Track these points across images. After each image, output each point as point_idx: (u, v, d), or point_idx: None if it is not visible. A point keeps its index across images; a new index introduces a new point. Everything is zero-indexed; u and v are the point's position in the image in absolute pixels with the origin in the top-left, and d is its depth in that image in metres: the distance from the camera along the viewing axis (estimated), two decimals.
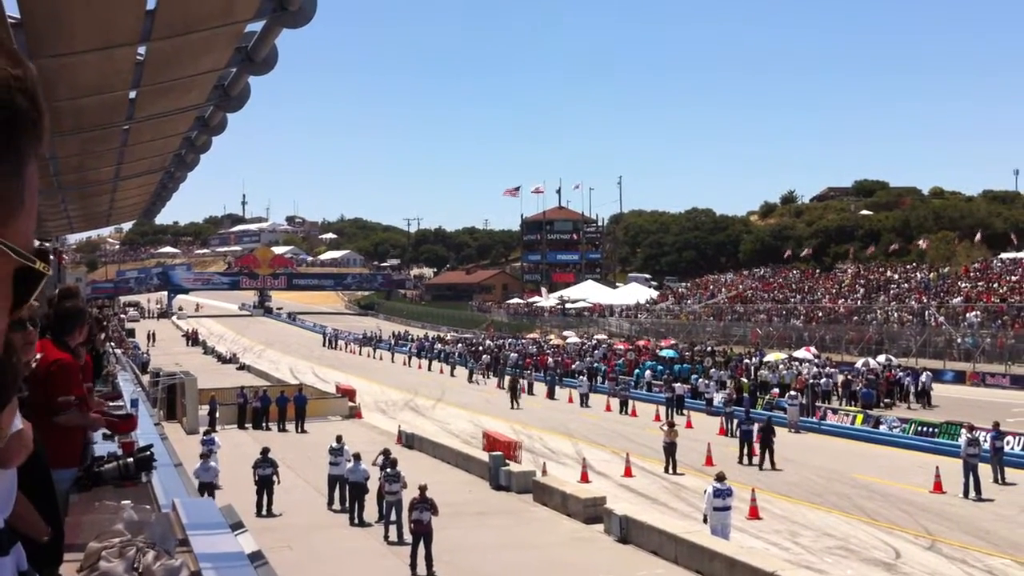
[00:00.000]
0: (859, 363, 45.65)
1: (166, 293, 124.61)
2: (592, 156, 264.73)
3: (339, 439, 25.59)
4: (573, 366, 55.68)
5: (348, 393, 45.39)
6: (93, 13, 5.75)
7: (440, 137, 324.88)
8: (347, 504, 23.54)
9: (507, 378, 50.71)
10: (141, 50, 6.86)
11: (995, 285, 58.58)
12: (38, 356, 4.91)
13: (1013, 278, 59.16)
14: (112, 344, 37.84)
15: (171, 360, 58.12)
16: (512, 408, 43.97)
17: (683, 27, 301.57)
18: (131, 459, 5.69)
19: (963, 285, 61.06)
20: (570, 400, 47.24)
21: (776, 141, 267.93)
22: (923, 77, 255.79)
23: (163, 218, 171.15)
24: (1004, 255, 68.78)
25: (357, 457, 23.62)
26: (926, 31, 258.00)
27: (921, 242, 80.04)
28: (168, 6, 5.84)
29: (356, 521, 22.79)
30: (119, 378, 17.43)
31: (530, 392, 51.30)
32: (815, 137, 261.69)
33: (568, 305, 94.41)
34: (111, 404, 8.05)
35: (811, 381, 41.62)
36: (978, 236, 77.75)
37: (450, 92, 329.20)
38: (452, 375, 61.24)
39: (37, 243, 1.23)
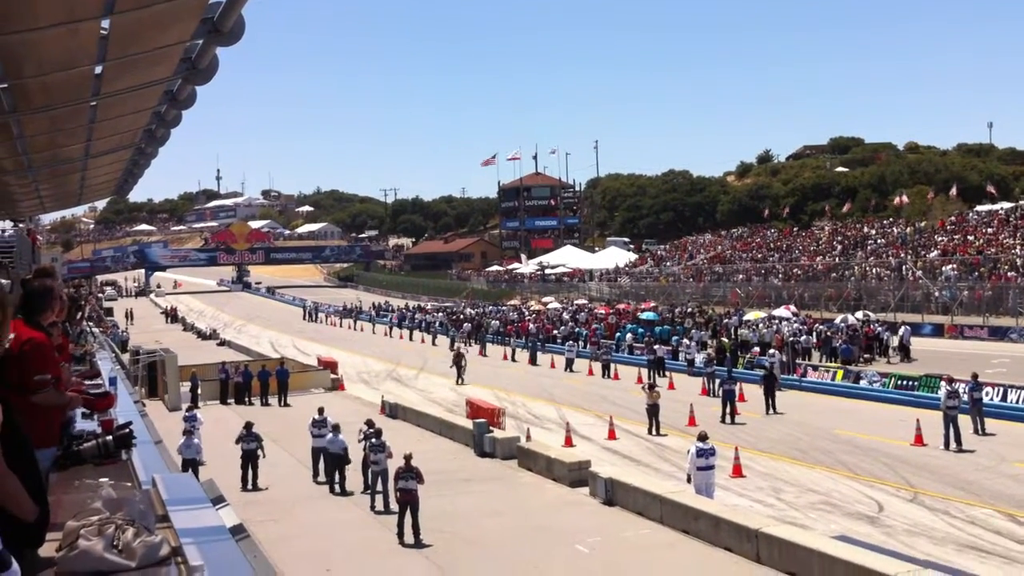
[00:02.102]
0: (838, 319, 45.89)
1: (143, 271, 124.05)
2: (568, 121, 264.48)
3: (321, 411, 25.59)
4: (554, 332, 55.79)
5: (330, 365, 45.35)
6: None
7: (415, 106, 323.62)
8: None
9: (454, 349, 48.95)
10: (105, 24, 6.74)
11: (971, 238, 58.90)
12: (11, 336, 4.86)
13: (989, 230, 59.47)
14: (90, 323, 37.66)
15: (151, 338, 57.90)
16: (457, 383, 42.02)
17: None
18: (110, 437, 5.65)
19: (939, 239, 61.36)
20: (552, 365, 47.38)
21: (751, 101, 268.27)
22: (895, 32, 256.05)
23: (137, 195, 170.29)
24: (979, 208, 69.14)
25: (336, 428, 23.64)
26: None
27: (899, 199, 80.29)
28: None
29: (337, 491, 22.85)
30: (97, 357, 17.30)
31: (513, 359, 51.46)
32: (790, 95, 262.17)
33: (547, 271, 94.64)
34: (89, 383, 8.00)
35: (791, 339, 41.84)
36: (953, 190, 78.08)
37: (424, 60, 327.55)
38: (434, 344, 61.28)
39: None
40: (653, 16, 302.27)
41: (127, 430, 5.84)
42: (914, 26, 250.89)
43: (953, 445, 24.67)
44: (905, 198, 78.19)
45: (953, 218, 67.64)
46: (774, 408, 31.70)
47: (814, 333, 44.19)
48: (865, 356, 41.55)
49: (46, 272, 7.24)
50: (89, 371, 11.43)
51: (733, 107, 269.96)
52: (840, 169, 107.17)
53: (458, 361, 43.58)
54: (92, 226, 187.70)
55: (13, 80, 7.92)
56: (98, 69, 8.07)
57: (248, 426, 24.45)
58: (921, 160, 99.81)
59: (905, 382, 33.03)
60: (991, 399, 28.60)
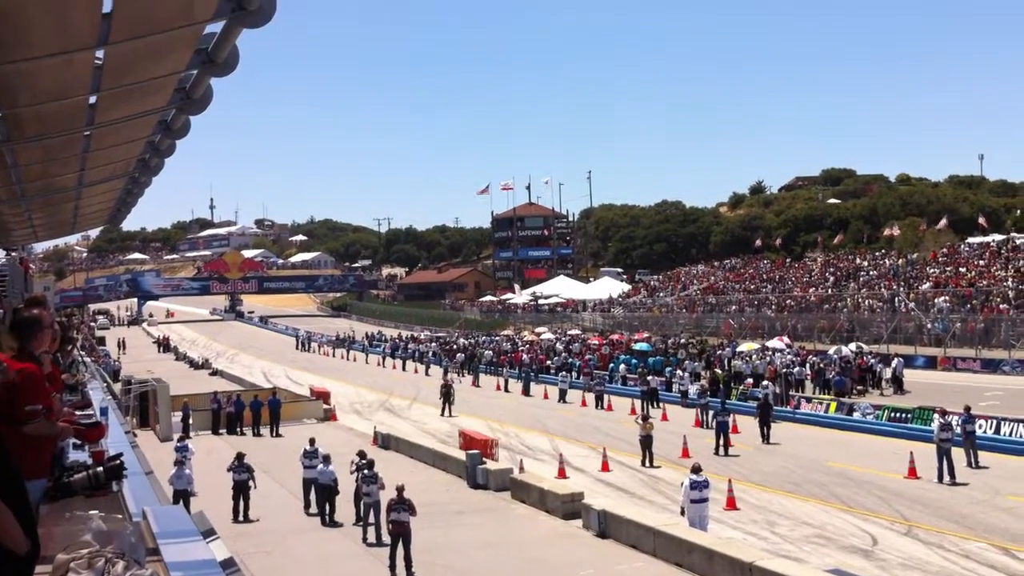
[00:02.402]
0: (831, 351, 45.92)
1: (136, 300, 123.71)
2: (561, 151, 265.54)
3: (312, 442, 25.46)
4: (547, 362, 55.71)
5: (322, 395, 45.19)
6: (49, 17, 5.66)
7: (408, 136, 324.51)
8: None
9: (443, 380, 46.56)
10: (99, 54, 6.76)
11: (963, 270, 59.08)
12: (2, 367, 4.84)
13: (980, 262, 59.69)
14: (82, 353, 37.51)
15: (143, 367, 57.66)
16: (444, 415, 41.71)
17: (649, 18, 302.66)
18: (101, 468, 5.60)
19: (931, 271, 61.56)
20: (545, 396, 47.30)
21: (744, 132, 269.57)
22: (887, 65, 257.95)
23: (131, 224, 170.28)
24: (971, 239, 69.40)
25: (326, 459, 23.54)
26: (889, 20, 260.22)
27: (890, 230, 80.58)
28: (125, 8, 5.75)
29: (327, 522, 22.72)
30: (89, 387, 17.21)
31: (505, 389, 51.37)
32: (783, 127, 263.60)
33: (541, 301, 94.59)
34: (80, 413, 7.95)
35: (784, 370, 41.81)
36: (943, 221, 78.36)
37: (417, 91, 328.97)
38: (427, 374, 61.11)
39: None
40: (646, 48, 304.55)
41: (118, 461, 5.80)
42: (906, 59, 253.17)
43: (947, 478, 24.61)
44: (897, 230, 78.58)
45: (945, 250, 67.86)
46: (768, 438, 32.02)
47: (807, 364, 44.19)
48: (858, 388, 41.50)
49: (37, 301, 7.21)
50: (80, 401, 11.37)
51: (726, 138, 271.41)
52: (832, 201, 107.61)
53: (446, 392, 42.92)
54: (85, 254, 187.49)
55: (7, 109, 7.94)
56: (92, 99, 8.09)
57: (239, 457, 24.31)
58: (913, 192, 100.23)
59: (898, 414, 33.01)
60: (984, 432, 28.58)
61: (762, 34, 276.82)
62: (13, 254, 25.85)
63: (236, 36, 6.95)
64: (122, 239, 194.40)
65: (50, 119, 8.68)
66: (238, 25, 6.61)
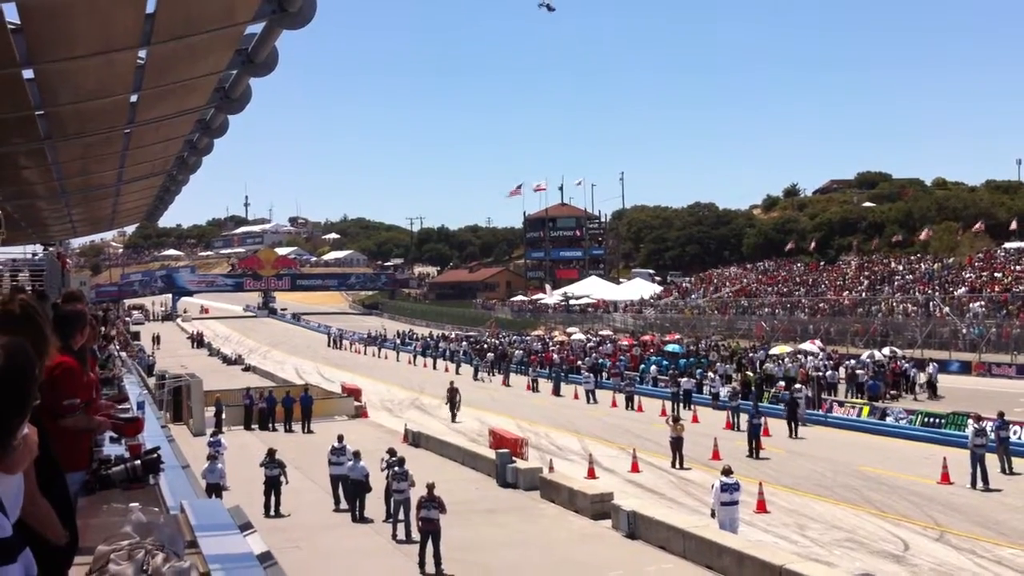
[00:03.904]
0: (864, 355, 45.57)
1: (170, 296, 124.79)
2: (594, 152, 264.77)
3: (340, 439, 25.60)
4: (578, 363, 55.67)
5: (354, 393, 45.40)
6: (94, 17, 5.75)
7: (442, 135, 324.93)
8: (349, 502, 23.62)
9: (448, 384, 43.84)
10: (142, 54, 6.86)
11: (999, 275, 58.47)
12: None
13: (1017, 267, 59.05)
14: (117, 347, 37.89)
15: (176, 362, 58.20)
16: (452, 421, 40.06)
17: (683, 22, 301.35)
18: (138, 461, 5.70)
19: (967, 275, 60.97)
20: (575, 397, 47.26)
21: (778, 134, 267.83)
22: (925, 69, 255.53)
23: (166, 221, 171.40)
24: (1008, 244, 68.67)
25: (357, 455, 23.65)
26: (927, 23, 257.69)
27: (924, 233, 79.86)
28: (168, 9, 5.83)
29: (357, 518, 22.82)
30: (125, 381, 17.42)
31: (535, 389, 51.37)
32: (817, 130, 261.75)
33: (572, 302, 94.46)
34: (117, 407, 8.07)
35: (816, 373, 41.54)
36: (979, 225, 77.54)
37: (451, 90, 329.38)
38: (457, 373, 61.18)
39: None
40: (680, 50, 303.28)
41: (155, 455, 5.89)
42: (943, 63, 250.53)
43: (980, 484, 24.40)
44: (930, 232, 77.87)
45: (981, 254, 67.18)
46: (795, 433, 33.44)
47: (840, 368, 43.87)
48: (892, 392, 41.22)
49: (75, 296, 7.32)
50: (118, 395, 11.52)
51: (760, 140, 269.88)
52: (867, 204, 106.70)
53: (452, 397, 41.02)
54: (121, 250, 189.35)
55: (49, 107, 8.06)
56: (133, 97, 8.21)
57: (271, 452, 24.50)
58: (949, 196, 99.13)
59: (932, 419, 32.70)
60: (1019, 438, 28.27)
61: (799, 37, 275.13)
62: (51, 249, 26.19)
63: (276, 37, 7.03)
64: (158, 235, 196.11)
65: (91, 117, 8.80)
66: (278, 26, 6.69)
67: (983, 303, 53.03)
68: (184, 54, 7.10)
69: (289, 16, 6.40)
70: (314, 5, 6.43)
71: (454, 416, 40.47)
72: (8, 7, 5.42)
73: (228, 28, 6.57)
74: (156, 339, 79.90)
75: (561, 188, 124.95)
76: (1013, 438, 27.41)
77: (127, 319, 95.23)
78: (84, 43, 6.24)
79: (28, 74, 6.86)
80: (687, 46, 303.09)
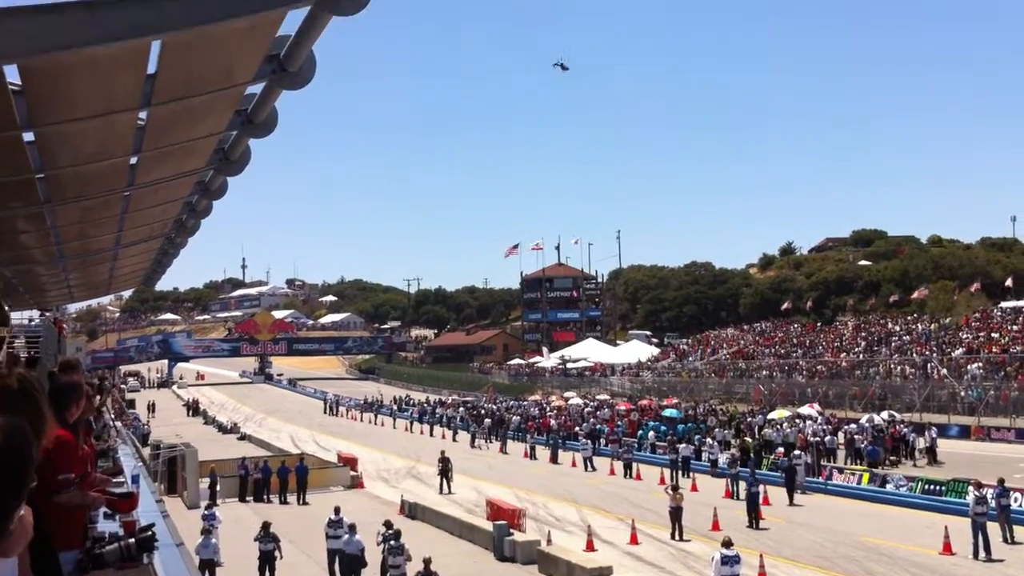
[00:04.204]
0: (863, 419, 45.38)
1: (167, 361, 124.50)
2: (591, 211, 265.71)
3: (337, 511, 25.36)
4: (576, 429, 55.34)
5: (350, 462, 45.08)
6: (95, 79, 5.78)
7: (439, 195, 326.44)
8: None
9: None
10: (142, 115, 6.89)
11: (996, 335, 58.44)
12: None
13: (1014, 328, 59.04)
14: (112, 416, 37.67)
15: (171, 431, 57.94)
16: (441, 492, 38.79)
17: (679, 81, 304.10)
18: (133, 540, 5.59)
19: (964, 336, 60.95)
20: (573, 464, 46.92)
21: (773, 192, 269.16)
22: (919, 125, 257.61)
23: (163, 284, 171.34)
24: (1004, 304, 68.76)
25: (352, 528, 23.42)
26: (918, 79, 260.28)
27: (919, 293, 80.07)
28: (169, 70, 5.87)
29: None
30: (119, 452, 17.30)
31: (533, 456, 51.03)
32: (812, 187, 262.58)
33: (569, 365, 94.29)
34: (112, 481, 7.96)
35: (815, 439, 41.31)
36: (976, 285, 77.77)
37: (448, 149, 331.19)
38: (454, 440, 60.82)
39: None
40: (675, 108, 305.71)
41: (150, 533, 5.79)
42: (938, 119, 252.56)
43: (982, 554, 24.14)
44: (925, 291, 78.06)
45: (978, 314, 67.23)
46: (792, 500, 33.56)
47: (839, 433, 43.69)
48: (891, 458, 40.99)
49: (71, 366, 7.27)
50: (112, 468, 11.39)
51: (755, 199, 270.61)
52: (863, 263, 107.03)
53: (444, 468, 39.79)
54: (117, 315, 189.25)
55: (49, 170, 8.06)
56: (133, 159, 8.23)
57: (266, 526, 24.27)
58: (944, 254, 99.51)
59: (932, 487, 32.46)
60: (1020, 505, 28.06)
61: (794, 93, 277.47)
62: (48, 314, 26.17)
63: (276, 97, 7.08)
64: (154, 299, 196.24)
65: (90, 180, 8.81)
66: (278, 87, 6.74)
67: (981, 364, 52.95)
68: (184, 115, 7.14)
69: (289, 76, 6.46)
70: (314, 65, 6.49)
71: (447, 487, 39.27)
72: (9, 68, 5.46)
73: (228, 89, 6.62)
74: (151, 407, 79.67)
75: (558, 247, 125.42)
76: (1014, 505, 27.19)
77: (123, 386, 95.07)
78: (85, 104, 6.28)
79: (28, 136, 6.90)
80: (682, 104, 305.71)
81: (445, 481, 39.70)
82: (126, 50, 5.22)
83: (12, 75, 5.62)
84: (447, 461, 40.25)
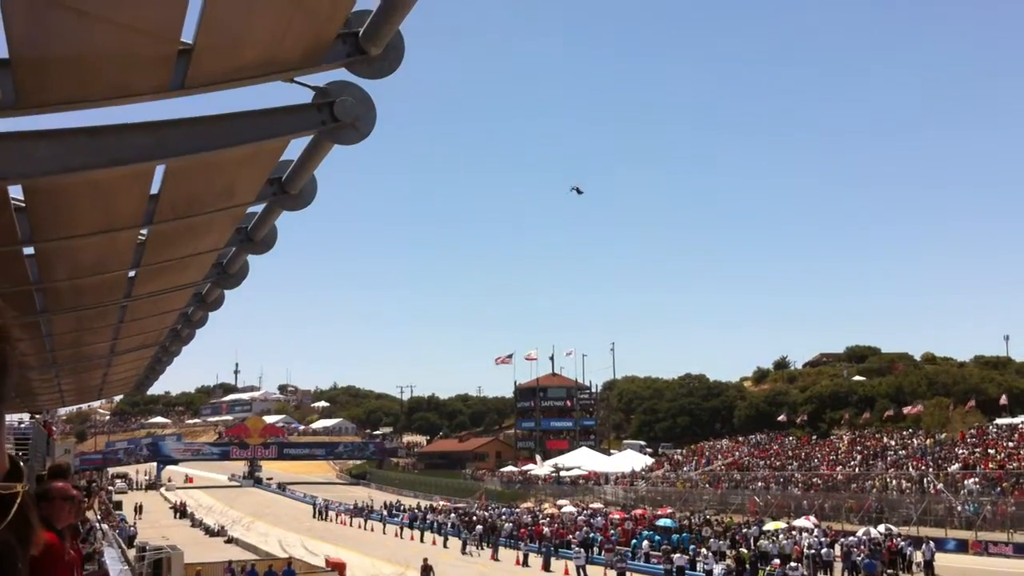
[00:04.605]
0: (860, 532, 44.84)
1: (155, 464, 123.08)
2: (584, 323, 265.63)
3: None
4: (569, 537, 54.57)
5: (338, 567, 44.21)
6: (97, 199, 5.89)
7: (432, 305, 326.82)
8: None
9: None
10: (143, 231, 6.99)
11: (992, 451, 58.26)
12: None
13: (1009, 444, 58.89)
14: (99, 518, 37.17)
15: (158, 533, 56.99)
16: None
17: (669, 189, 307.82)
18: None
19: (960, 451, 60.69)
20: (566, 572, 46.14)
21: (768, 307, 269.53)
22: (911, 242, 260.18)
23: (155, 388, 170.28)
24: (999, 420, 68.72)
25: None
26: (907, 193, 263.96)
27: (912, 408, 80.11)
28: (172, 190, 5.98)
29: None
30: (105, 555, 17.06)
31: (525, 564, 50.23)
32: (806, 303, 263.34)
33: (563, 473, 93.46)
34: None
35: (811, 551, 40.72)
36: (971, 402, 77.94)
37: (442, 257, 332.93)
38: (445, 546, 59.90)
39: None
40: (667, 218, 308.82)
41: None
42: (928, 238, 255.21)
43: None
44: (920, 406, 78.12)
45: (973, 430, 67.08)
46: None
47: (836, 546, 43.13)
48: (889, 571, 40.39)
49: (61, 471, 7.24)
50: (98, 572, 11.27)
51: (750, 313, 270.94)
52: (857, 378, 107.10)
53: (425, 574, 39.47)
54: (107, 417, 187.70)
55: (47, 283, 8.15)
56: (131, 273, 8.32)
57: None
58: (939, 371, 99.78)
59: None
60: None
61: (781, 205, 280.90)
62: (38, 417, 26.05)
63: (276, 217, 7.19)
64: (145, 403, 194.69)
65: (87, 291, 8.89)
66: (278, 207, 6.85)
67: (977, 480, 52.62)
68: (185, 232, 7.24)
69: (290, 198, 6.57)
70: (314, 187, 6.60)
71: None
72: (14, 188, 5.55)
73: (229, 209, 6.73)
74: (139, 509, 78.61)
75: (552, 358, 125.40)
76: None
77: (110, 488, 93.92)
78: (86, 222, 6.37)
79: (28, 251, 6.97)
80: (673, 215, 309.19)
81: None
82: (131, 172, 5.34)
83: (16, 192, 5.73)
84: (429, 569, 39.40)
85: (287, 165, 6.31)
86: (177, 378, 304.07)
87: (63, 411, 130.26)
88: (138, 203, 6.04)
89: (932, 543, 42.76)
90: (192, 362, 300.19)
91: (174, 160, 5.29)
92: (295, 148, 6.03)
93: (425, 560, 40.70)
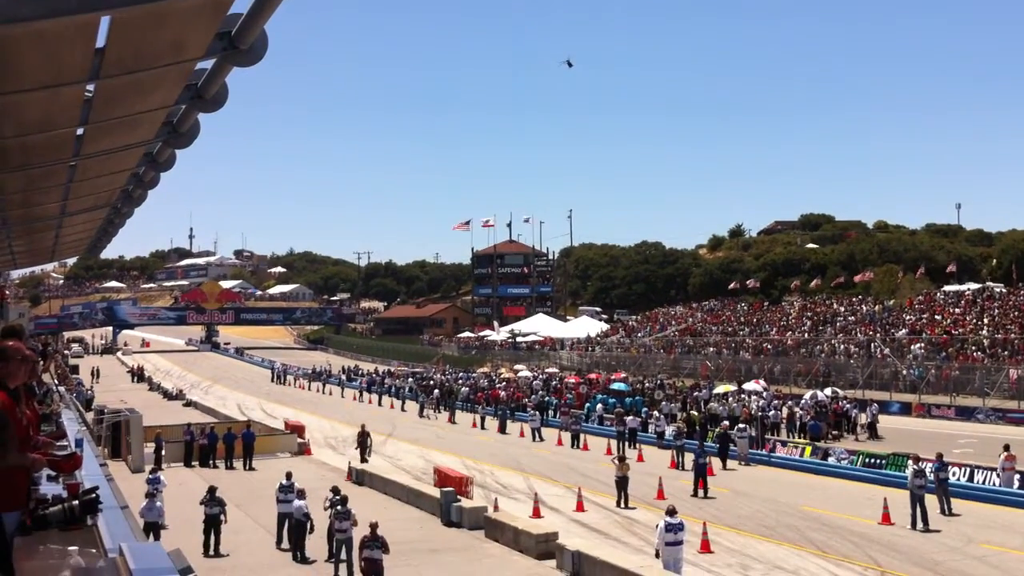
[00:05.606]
0: (807, 395, 46.02)
1: (111, 328, 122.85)
2: (543, 189, 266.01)
3: (289, 476, 25.26)
4: (525, 400, 55.59)
5: (297, 429, 44.89)
6: (42, 51, 5.67)
7: (390, 170, 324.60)
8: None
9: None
10: (89, 87, 6.78)
11: (939, 317, 59.55)
12: None
13: (956, 310, 60.19)
14: (55, 381, 37.17)
15: (116, 397, 57.27)
16: (362, 462, 37.44)
17: (629, 66, 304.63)
18: (76, 502, 5.56)
19: (908, 317, 62.01)
20: (522, 434, 47.16)
21: (724, 175, 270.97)
22: (866, 113, 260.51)
23: (108, 252, 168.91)
24: (947, 287, 70.07)
25: (300, 494, 23.39)
26: (867, 67, 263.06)
27: (863, 274, 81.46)
28: (118, 44, 5.77)
29: (298, 558, 22.52)
30: (63, 417, 17.08)
31: (482, 427, 51.20)
32: (762, 171, 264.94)
33: (519, 339, 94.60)
34: (56, 444, 7.89)
35: (759, 413, 41.85)
36: (920, 269, 79.36)
37: (400, 124, 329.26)
38: (403, 410, 60.89)
39: None
40: (628, 93, 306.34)
41: (94, 495, 5.75)
42: (885, 107, 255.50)
43: (920, 525, 24.65)
44: (870, 274, 79.41)
45: (921, 297, 68.41)
46: (725, 465, 35.02)
47: (784, 408, 44.33)
48: (833, 433, 41.64)
49: (14, 331, 7.16)
50: (55, 432, 11.27)
51: (706, 181, 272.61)
52: (810, 246, 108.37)
53: (362, 440, 39.04)
54: (61, 281, 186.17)
55: None
56: (79, 131, 8.11)
57: (212, 490, 24.12)
58: (890, 239, 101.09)
59: (873, 460, 33.09)
60: (957, 479, 28.73)
61: (744, 79, 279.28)
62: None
63: (226, 74, 7.00)
64: (99, 267, 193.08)
65: (35, 149, 8.67)
66: (229, 63, 6.65)
67: (923, 345, 53.95)
68: (133, 89, 7.03)
69: (240, 53, 6.38)
70: (265, 43, 6.41)
71: (364, 458, 38.11)
72: None
73: (178, 64, 6.53)
74: (95, 373, 78.79)
75: (509, 225, 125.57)
76: (952, 479, 27.81)
77: (66, 352, 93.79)
78: (31, 77, 6.16)
79: None
80: (636, 88, 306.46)
81: (362, 452, 38.73)
82: (74, 24, 5.12)
83: None
84: (366, 435, 39.26)
85: (237, 18, 6.10)
86: (131, 242, 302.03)
87: (16, 274, 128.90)
88: (83, 57, 5.84)
89: (876, 405, 44.08)
90: (146, 226, 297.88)
91: (119, 11, 5.09)
92: (245, 2, 5.84)
93: (363, 426, 40.70)
